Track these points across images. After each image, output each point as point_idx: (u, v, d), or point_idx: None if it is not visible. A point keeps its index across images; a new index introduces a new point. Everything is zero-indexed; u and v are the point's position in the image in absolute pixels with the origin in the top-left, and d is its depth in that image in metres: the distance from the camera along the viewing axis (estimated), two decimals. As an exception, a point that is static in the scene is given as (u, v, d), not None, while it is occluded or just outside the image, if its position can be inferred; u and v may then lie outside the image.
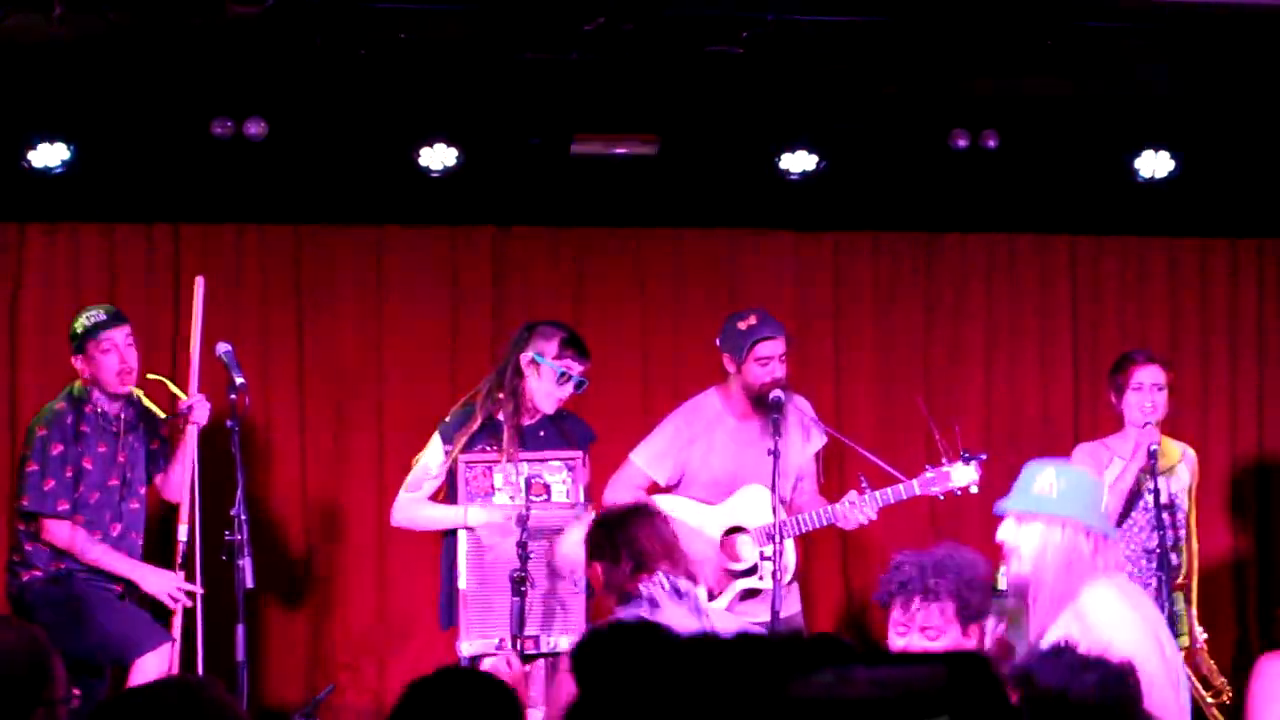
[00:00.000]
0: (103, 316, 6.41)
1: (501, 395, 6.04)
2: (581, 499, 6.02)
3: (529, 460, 6.00)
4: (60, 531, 6.16)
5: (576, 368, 6.05)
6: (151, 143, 7.52)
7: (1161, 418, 6.43)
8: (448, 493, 6.05)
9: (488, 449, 5.98)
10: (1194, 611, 6.59)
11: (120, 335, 6.34)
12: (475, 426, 6.02)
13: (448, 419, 6.11)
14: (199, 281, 6.52)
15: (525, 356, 6.04)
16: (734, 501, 6.27)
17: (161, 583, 6.23)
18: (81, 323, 6.39)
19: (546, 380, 6.02)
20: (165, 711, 2.27)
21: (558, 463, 6.02)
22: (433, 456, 6.06)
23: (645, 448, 6.48)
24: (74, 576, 6.19)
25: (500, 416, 6.00)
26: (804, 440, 6.42)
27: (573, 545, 5.98)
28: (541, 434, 6.10)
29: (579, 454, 6.06)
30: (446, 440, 6.03)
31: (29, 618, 6.17)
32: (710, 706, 1.21)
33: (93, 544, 6.18)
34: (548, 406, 6.06)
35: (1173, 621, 6.15)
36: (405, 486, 6.15)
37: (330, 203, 7.93)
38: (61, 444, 6.20)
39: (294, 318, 7.97)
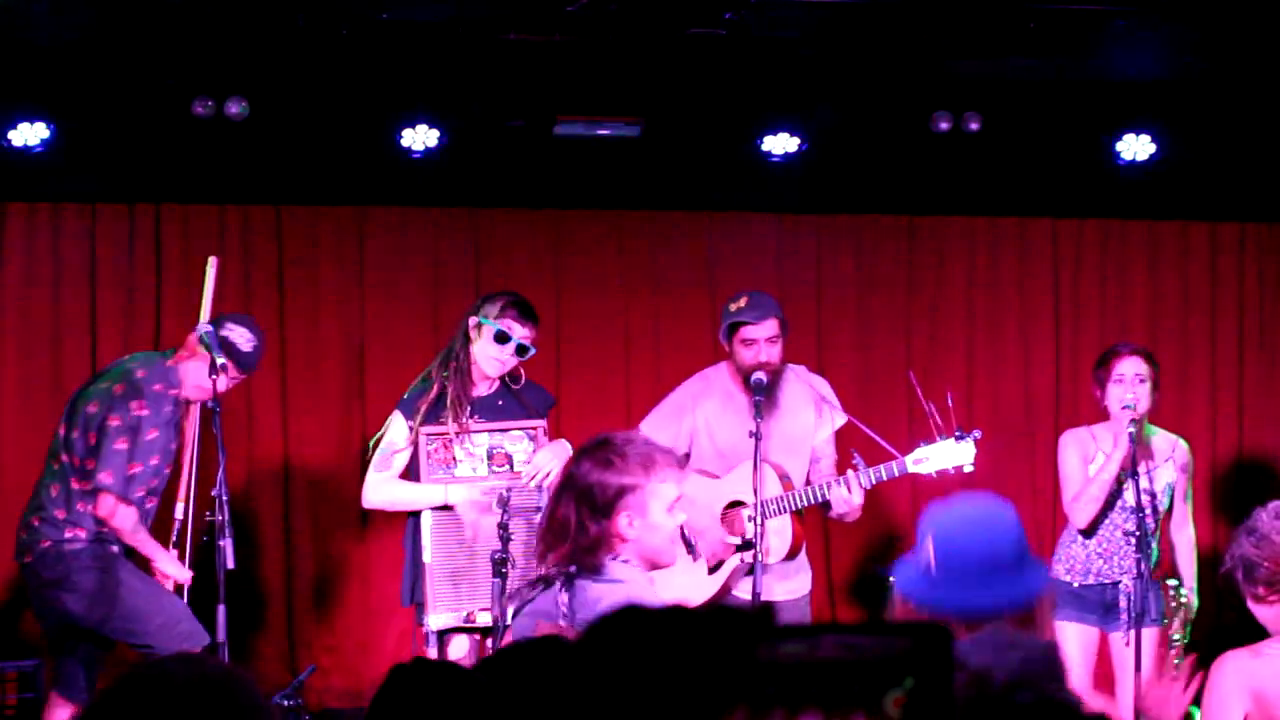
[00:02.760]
0: (250, 349, 6.24)
1: (452, 365, 6.02)
2: None
3: (490, 431, 6.00)
4: (128, 517, 6.04)
5: (517, 329, 5.99)
6: (132, 122, 7.50)
7: (1145, 410, 6.42)
8: (411, 468, 6.04)
9: (445, 422, 5.98)
10: (1192, 599, 6.60)
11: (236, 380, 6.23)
12: (432, 397, 6.00)
13: (406, 395, 6.10)
14: (212, 261, 6.49)
15: (473, 320, 6.04)
16: (735, 476, 6.26)
17: (176, 570, 6.23)
18: (244, 339, 6.22)
19: (486, 340, 6.00)
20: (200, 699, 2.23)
21: (519, 432, 6.02)
22: (398, 433, 6.03)
23: (652, 418, 6.46)
24: (116, 549, 6.12)
25: (454, 379, 6.00)
26: (816, 418, 6.38)
27: (552, 453, 5.98)
28: (500, 403, 6.08)
29: (540, 423, 6.06)
30: (408, 415, 6.01)
31: (63, 576, 6.05)
32: (679, 671, 1.24)
33: (141, 528, 6.15)
34: (491, 370, 6.03)
35: (1148, 606, 6.19)
36: (373, 467, 6.08)
37: (312, 183, 7.92)
38: (156, 430, 6.08)
39: (275, 298, 7.96)
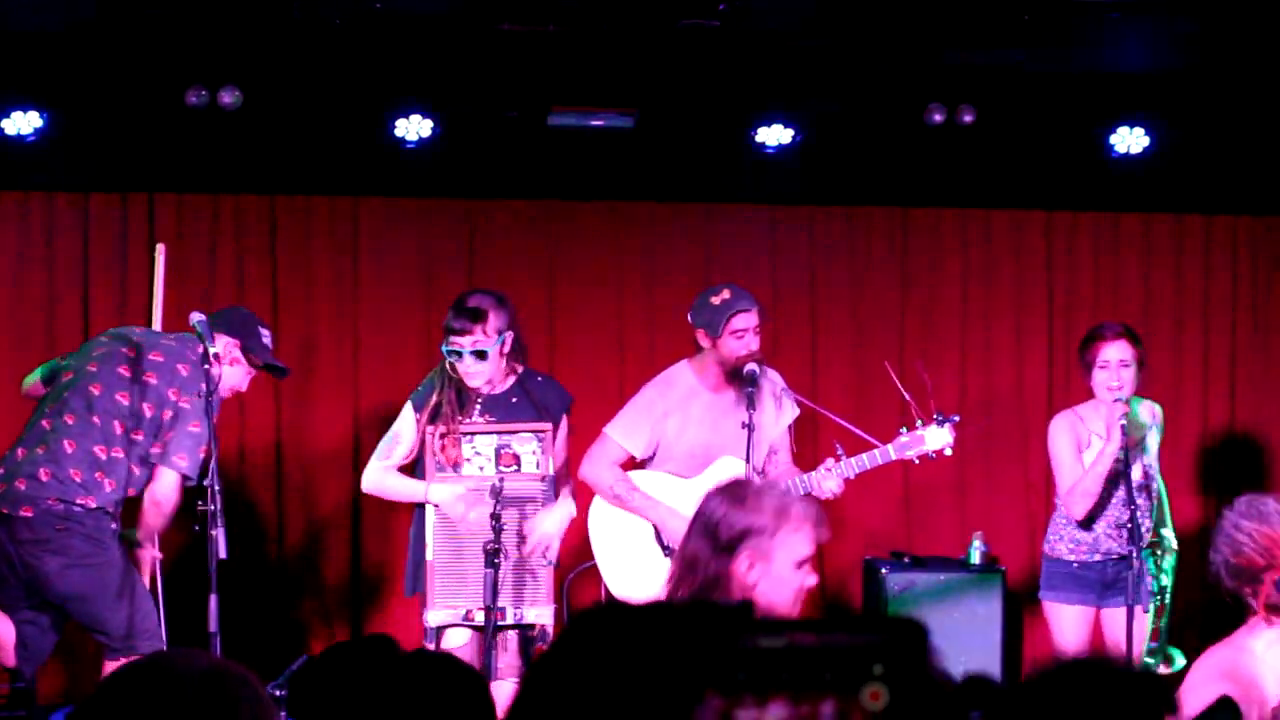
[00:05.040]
0: (269, 341, 6.27)
1: (448, 372, 6.00)
2: (550, 470, 5.99)
3: (498, 431, 5.98)
4: (177, 503, 6.01)
5: (460, 342, 5.92)
6: (126, 111, 7.50)
7: (1129, 394, 6.44)
8: (417, 463, 6.04)
9: (449, 422, 5.96)
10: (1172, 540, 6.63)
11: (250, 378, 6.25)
12: (435, 402, 5.98)
13: (419, 387, 6.12)
14: (160, 249, 6.52)
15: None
16: (710, 474, 6.25)
17: (153, 554, 6.21)
18: (263, 339, 6.23)
19: (447, 359, 5.99)
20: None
21: (528, 433, 5.98)
22: (404, 425, 6.06)
23: (620, 421, 6.44)
24: (115, 526, 6.03)
25: (447, 386, 5.99)
26: (776, 411, 6.41)
27: (555, 523, 5.97)
28: (513, 400, 6.05)
29: (549, 426, 6.01)
30: (417, 409, 6.03)
31: (56, 537, 5.89)
32: (657, 660, 1.26)
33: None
34: (473, 383, 5.98)
35: (1139, 578, 6.21)
36: (376, 454, 6.13)
37: (305, 173, 7.91)
38: (216, 415, 6.00)
39: (268, 288, 7.96)
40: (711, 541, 3.59)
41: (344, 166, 7.89)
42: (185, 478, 6.01)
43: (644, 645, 1.30)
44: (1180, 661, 6.57)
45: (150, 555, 6.22)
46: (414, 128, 7.56)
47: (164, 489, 6.00)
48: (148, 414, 5.99)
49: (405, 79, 7.54)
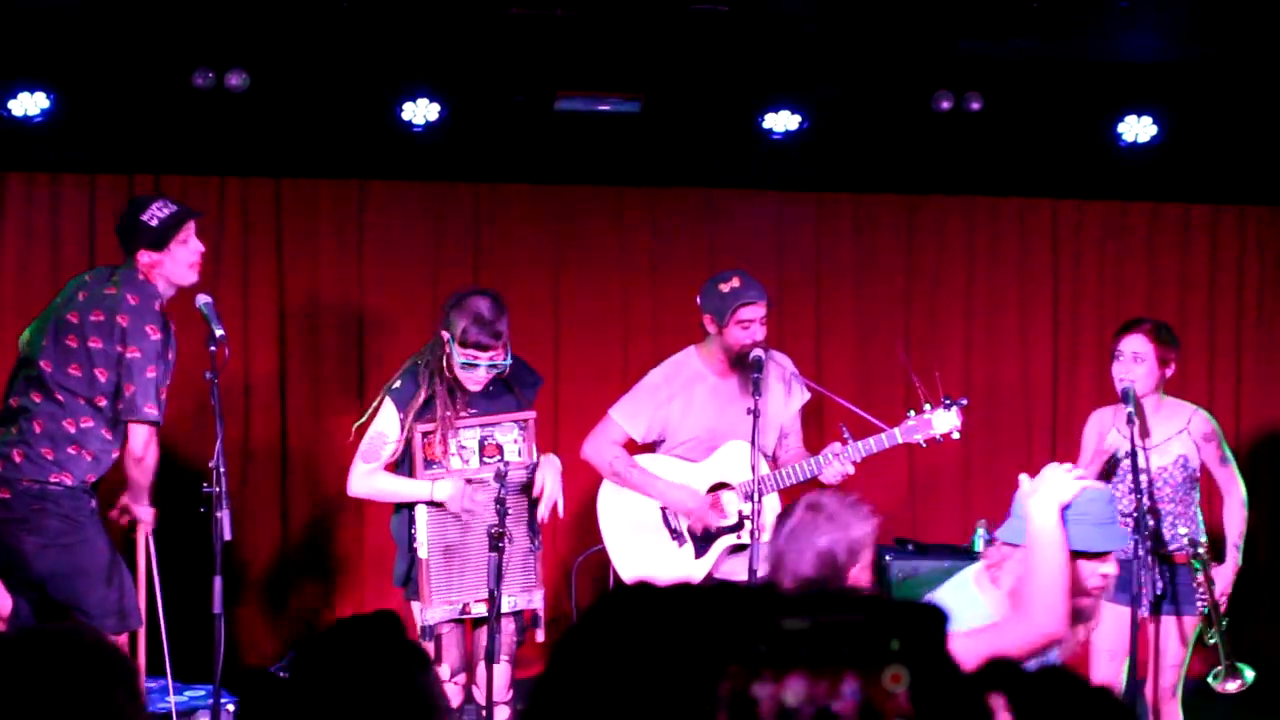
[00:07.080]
0: (176, 209, 6.09)
1: (436, 368, 5.94)
2: (534, 458, 5.99)
3: (481, 424, 5.95)
4: (155, 448, 5.94)
5: (482, 356, 5.86)
6: (133, 93, 7.50)
7: (1143, 390, 6.35)
8: (402, 460, 5.98)
9: (437, 417, 5.92)
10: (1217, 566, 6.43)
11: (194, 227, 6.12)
12: (423, 398, 5.93)
13: (396, 384, 5.97)
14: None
15: (445, 335, 5.94)
16: (717, 458, 6.27)
17: (145, 512, 6.18)
18: (152, 224, 6.03)
19: (456, 364, 5.91)
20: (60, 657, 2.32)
21: (510, 423, 5.98)
22: (388, 424, 5.94)
23: (624, 404, 6.44)
24: (94, 504, 6.00)
25: (439, 382, 5.94)
26: (786, 395, 6.40)
27: (555, 481, 5.96)
28: (490, 389, 6.03)
29: (531, 414, 6.01)
30: (400, 407, 5.95)
31: (33, 515, 5.87)
32: (689, 636, 1.28)
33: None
34: (471, 387, 5.96)
35: (1175, 590, 6.15)
36: (361, 456, 6.00)
37: (312, 155, 7.91)
38: (172, 351, 5.95)
39: (274, 271, 7.96)
40: (833, 566, 4.10)
41: (351, 150, 7.88)
42: (155, 424, 5.95)
43: (671, 621, 1.31)
44: (1250, 676, 6.32)
45: (146, 514, 6.16)
46: (421, 111, 7.55)
47: (138, 443, 5.94)
48: (102, 379, 5.95)
49: (413, 62, 7.53)
